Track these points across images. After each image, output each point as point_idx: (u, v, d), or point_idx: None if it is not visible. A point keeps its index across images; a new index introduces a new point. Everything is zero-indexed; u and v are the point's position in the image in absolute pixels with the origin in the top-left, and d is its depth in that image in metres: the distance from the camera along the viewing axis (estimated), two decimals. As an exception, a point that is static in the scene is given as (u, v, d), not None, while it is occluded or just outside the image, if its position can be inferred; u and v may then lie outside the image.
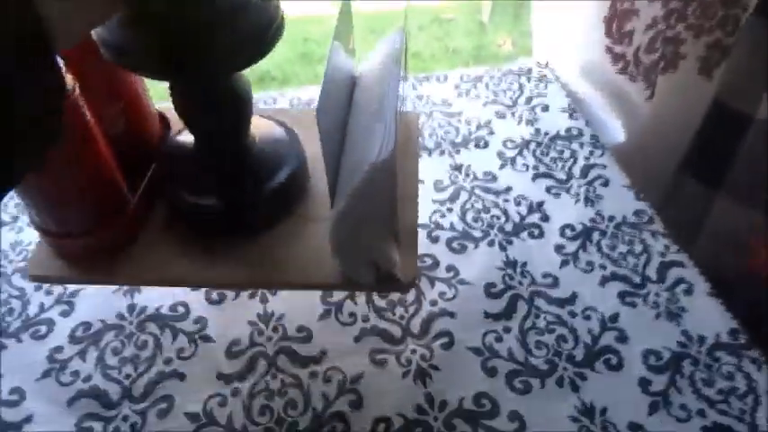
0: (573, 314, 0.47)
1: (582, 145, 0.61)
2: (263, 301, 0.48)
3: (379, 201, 0.36)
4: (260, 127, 0.43)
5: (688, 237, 0.59)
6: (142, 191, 0.42)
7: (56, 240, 0.40)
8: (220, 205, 0.41)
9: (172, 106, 0.39)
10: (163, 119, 0.48)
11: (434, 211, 0.55)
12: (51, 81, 0.23)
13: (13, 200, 0.56)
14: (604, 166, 0.59)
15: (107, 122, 0.40)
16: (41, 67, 0.22)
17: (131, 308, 0.48)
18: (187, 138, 0.42)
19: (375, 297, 0.48)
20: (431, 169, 0.59)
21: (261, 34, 0.34)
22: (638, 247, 0.51)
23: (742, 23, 0.61)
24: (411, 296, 0.48)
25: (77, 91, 0.35)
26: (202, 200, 0.41)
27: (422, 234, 0.52)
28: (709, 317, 0.46)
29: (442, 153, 0.61)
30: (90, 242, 0.40)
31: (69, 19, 0.24)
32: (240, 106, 0.39)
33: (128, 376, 0.44)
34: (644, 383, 0.43)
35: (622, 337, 0.45)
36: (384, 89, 0.40)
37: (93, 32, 0.33)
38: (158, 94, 0.46)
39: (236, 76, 0.38)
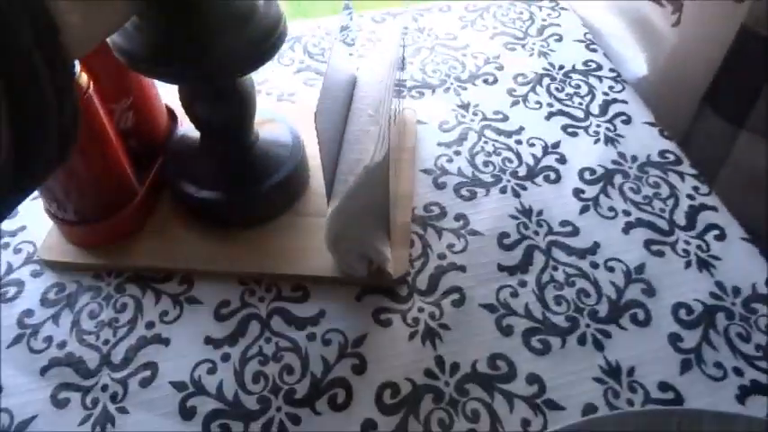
0: (595, 265, 0.42)
1: (601, 79, 0.56)
2: (254, 256, 0.44)
3: (372, 200, 0.38)
4: (263, 124, 0.45)
5: (710, 175, 0.54)
6: (149, 182, 0.45)
7: (69, 227, 0.43)
8: (223, 198, 0.43)
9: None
10: (170, 113, 0.50)
11: (440, 155, 0.50)
12: (68, 85, 0.24)
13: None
14: (626, 102, 0.54)
15: (117, 117, 0.44)
16: (61, 74, 0.23)
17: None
18: (193, 133, 0.44)
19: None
20: (435, 108, 0.53)
21: (265, 40, 0.35)
22: (664, 191, 0.47)
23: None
24: (417, 250, 0.44)
25: (91, 88, 0.38)
26: (206, 193, 0.43)
27: (427, 180, 0.48)
28: (744, 265, 0.42)
29: (447, 90, 0.55)
30: (100, 229, 0.43)
31: (85, 27, 0.25)
32: (244, 106, 0.41)
33: (106, 342, 0.40)
34: (674, 340, 0.39)
35: (650, 290, 0.41)
36: (381, 92, 0.42)
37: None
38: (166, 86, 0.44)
39: (241, 78, 0.40)
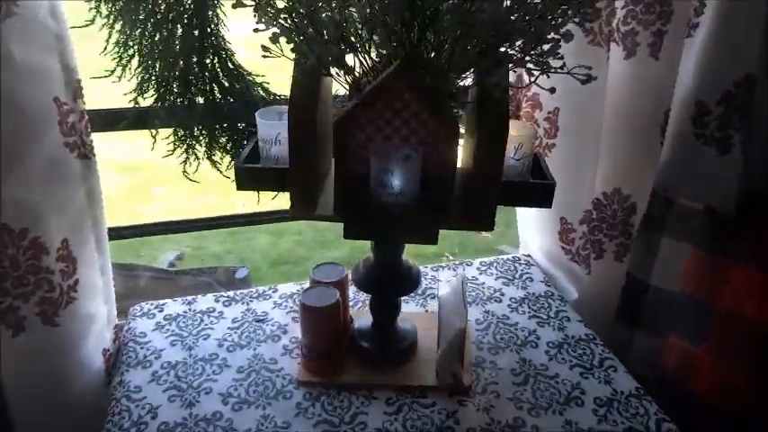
0: None
1: (555, 299, 1.09)
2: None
3: (457, 346, 0.85)
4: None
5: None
6: (345, 344, 0.92)
7: (308, 361, 0.89)
8: (375, 350, 0.90)
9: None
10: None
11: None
12: None
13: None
14: (567, 314, 1.06)
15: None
16: None
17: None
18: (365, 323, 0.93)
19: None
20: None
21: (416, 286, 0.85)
22: (587, 350, 0.97)
23: (634, 234, 1.13)
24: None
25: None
26: (366, 346, 0.91)
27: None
28: None
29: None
30: (324, 365, 0.90)
31: None
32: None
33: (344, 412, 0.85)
34: None
35: None
36: (457, 303, 0.91)
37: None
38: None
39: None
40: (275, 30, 0.68)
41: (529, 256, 1.22)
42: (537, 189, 0.78)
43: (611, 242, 1.14)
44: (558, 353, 0.97)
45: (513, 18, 0.66)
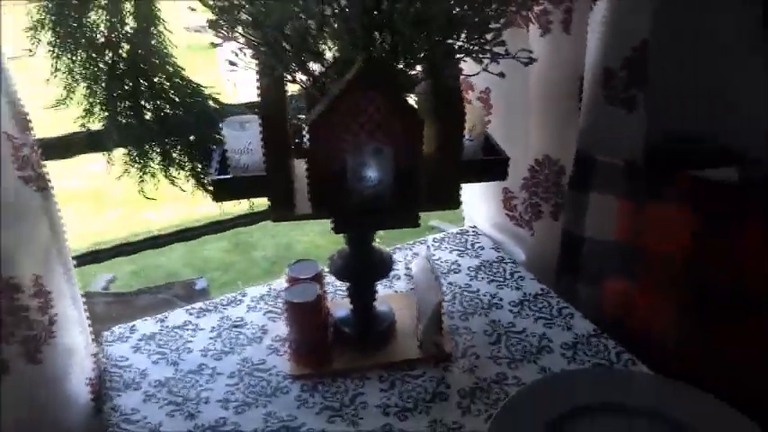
0: (526, 337, 1.00)
1: (507, 262, 1.19)
2: (381, 360, 0.97)
3: (437, 318, 0.93)
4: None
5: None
6: (329, 334, 0.97)
7: (298, 355, 0.93)
8: (358, 335, 0.96)
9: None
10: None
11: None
12: None
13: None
14: (521, 274, 1.16)
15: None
16: None
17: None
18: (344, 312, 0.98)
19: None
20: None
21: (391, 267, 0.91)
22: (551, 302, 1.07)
23: (565, 192, 1.25)
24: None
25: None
26: (349, 333, 0.97)
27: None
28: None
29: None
30: (313, 357, 0.94)
31: None
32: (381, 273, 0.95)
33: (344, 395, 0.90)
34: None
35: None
36: (429, 279, 0.98)
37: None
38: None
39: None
40: (237, 44, 0.71)
41: (475, 227, 1.31)
42: (493, 165, 0.86)
43: (548, 203, 1.25)
44: (521, 310, 1.07)
45: (458, 11, 0.73)
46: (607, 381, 0.88)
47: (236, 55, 0.73)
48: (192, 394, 0.92)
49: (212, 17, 0.69)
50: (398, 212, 0.79)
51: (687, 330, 1.08)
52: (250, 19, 0.68)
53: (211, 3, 0.69)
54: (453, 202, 0.83)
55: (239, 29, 0.69)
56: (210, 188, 1.00)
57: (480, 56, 0.75)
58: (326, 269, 1.00)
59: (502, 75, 0.77)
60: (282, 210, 0.80)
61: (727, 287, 1.02)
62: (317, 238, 3.40)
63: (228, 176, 0.81)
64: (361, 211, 0.77)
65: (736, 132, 1.27)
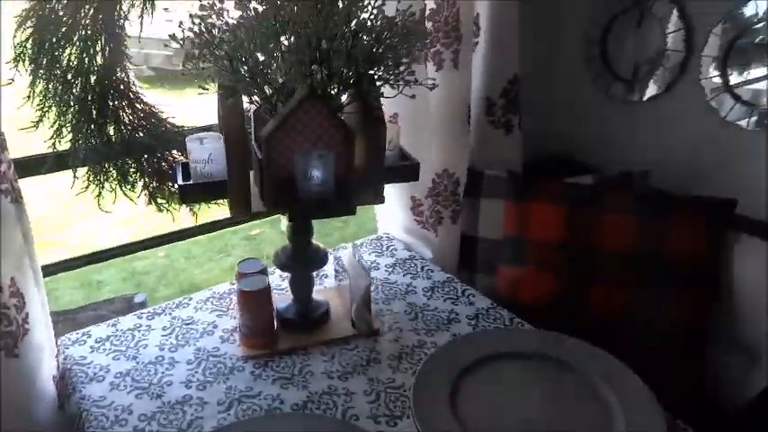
0: (438, 313, 1.22)
1: (418, 259, 1.41)
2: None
3: (366, 300, 1.12)
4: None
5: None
6: (285, 323, 1.11)
7: (249, 339, 1.08)
8: (300, 320, 1.13)
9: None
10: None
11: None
12: None
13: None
14: (430, 267, 1.39)
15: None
16: None
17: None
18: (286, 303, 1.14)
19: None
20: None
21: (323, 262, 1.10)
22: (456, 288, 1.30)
23: (461, 201, 1.50)
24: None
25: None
26: (292, 318, 1.13)
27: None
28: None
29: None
30: (262, 340, 1.10)
31: None
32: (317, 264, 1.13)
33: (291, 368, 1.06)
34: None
35: (457, 315, 1.21)
36: (357, 268, 1.17)
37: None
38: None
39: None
40: (207, 74, 0.89)
41: (388, 233, 1.53)
42: (409, 168, 1.08)
43: (447, 209, 1.49)
44: (432, 293, 1.28)
45: (378, 51, 0.96)
46: (503, 337, 1.11)
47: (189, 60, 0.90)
48: (155, 380, 1.04)
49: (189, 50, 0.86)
50: (340, 203, 0.98)
51: (563, 293, 1.35)
52: (222, 53, 0.86)
53: (195, 40, 0.87)
54: (379, 198, 1.04)
55: (212, 60, 0.87)
56: (162, 201, 1.15)
57: (395, 83, 0.97)
58: (270, 265, 1.16)
59: (413, 96, 0.99)
60: (242, 210, 0.97)
61: (593, 255, 1.31)
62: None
63: (196, 182, 0.96)
64: (311, 203, 0.95)
65: (587, 152, 1.61)
